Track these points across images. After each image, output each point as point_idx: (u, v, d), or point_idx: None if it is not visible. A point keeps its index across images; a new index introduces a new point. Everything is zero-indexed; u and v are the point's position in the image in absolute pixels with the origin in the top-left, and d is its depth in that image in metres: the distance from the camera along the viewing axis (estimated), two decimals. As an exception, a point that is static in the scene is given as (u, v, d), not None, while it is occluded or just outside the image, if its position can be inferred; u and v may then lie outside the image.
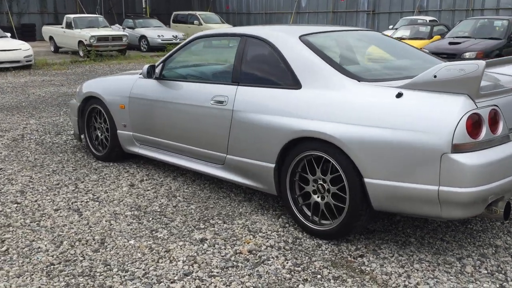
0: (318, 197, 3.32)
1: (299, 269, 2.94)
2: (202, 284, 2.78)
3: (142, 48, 21.79)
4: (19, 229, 3.51)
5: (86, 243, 3.29)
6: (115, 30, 19.81)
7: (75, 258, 3.09)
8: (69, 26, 18.78)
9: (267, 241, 3.29)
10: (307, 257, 3.08)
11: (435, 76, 2.81)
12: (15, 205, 3.96)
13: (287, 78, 3.50)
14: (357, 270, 2.93)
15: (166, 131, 4.34)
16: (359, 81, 3.19)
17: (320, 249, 3.20)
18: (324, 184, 3.26)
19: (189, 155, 4.22)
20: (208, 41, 4.37)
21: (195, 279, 2.82)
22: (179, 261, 3.04)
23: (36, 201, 4.05)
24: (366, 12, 23.25)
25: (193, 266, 2.97)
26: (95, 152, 5.23)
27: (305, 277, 2.85)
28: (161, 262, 3.03)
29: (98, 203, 4.00)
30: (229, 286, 2.76)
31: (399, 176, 2.87)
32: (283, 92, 3.47)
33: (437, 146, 2.72)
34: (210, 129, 3.93)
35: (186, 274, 2.88)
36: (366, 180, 2.98)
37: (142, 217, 3.71)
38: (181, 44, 4.43)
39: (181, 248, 3.20)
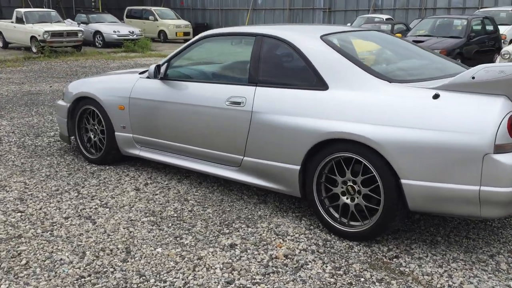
0: (347, 198, 3.30)
1: (341, 272, 2.92)
2: (248, 292, 2.71)
3: (97, 44, 21.16)
4: (32, 240, 3.30)
5: (111, 253, 3.13)
6: (69, 25, 19.11)
7: (105, 269, 2.94)
8: (19, 20, 17.98)
9: (299, 245, 3.25)
10: (343, 260, 3.06)
11: (473, 78, 2.85)
12: (19, 214, 3.73)
13: (311, 79, 3.46)
14: (397, 272, 2.94)
15: (173, 133, 4.21)
16: (390, 82, 3.20)
17: (353, 251, 3.19)
18: (354, 186, 3.25)
19: (199, 157, 4.11)
20: (215, 40, 4.25)
21: (241, 287, 2.75)
22: (216, 268, 2.95)
23: (40, 209, 3.82)
24: (322, 9, 23.54)
25: (232, 274, 2.89)
26: (87, 155, 5.01)
27: (349, 281, 2.83)
28: (198, 271, 2.92)
29: (108, 209, 3.83)
30: (277, 293, 2.71)
31: (438, 177, 2.90)
32: (308, 93, 3.43)
33: (479, 146, 2.76)
34: (226, 131, 3.84)
35: (229, 282, 2.79)
36: (403, 181, 2.99)
37: (160, 223, 3.58)
38: (187, 43, 4.30)
39: (213, 255, 3.11)
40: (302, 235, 3.40)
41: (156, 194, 4.14)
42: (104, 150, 4.83)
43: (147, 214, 3.73)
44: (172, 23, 24.69)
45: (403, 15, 21.19)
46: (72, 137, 5.21)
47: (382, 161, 3.06)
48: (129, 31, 21.25)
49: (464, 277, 2.86)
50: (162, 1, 30.27)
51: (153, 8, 25.64)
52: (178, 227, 3.51)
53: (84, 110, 4.97)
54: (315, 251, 3.17)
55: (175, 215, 3.73)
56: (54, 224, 3.56)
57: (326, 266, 2.98)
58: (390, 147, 2.99)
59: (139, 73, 4.69)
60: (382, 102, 3.10)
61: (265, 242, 3.29)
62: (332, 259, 3.07)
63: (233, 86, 3.85)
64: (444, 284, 2.80)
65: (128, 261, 3.03)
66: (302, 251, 3.16)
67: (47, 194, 4.13)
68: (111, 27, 21.25)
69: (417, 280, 2.84)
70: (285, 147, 3.50)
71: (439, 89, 2.99)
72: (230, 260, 3.04)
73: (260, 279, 2.83)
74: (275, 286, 2.77)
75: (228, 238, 3.34)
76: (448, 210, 2.97)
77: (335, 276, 2.87)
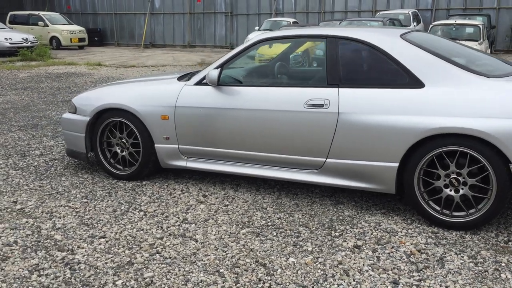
0: (450, 190, 3.46)
1: (479, 260, 3.07)
2: (421, 289, 2.75)
3: (-15, 53, 19.21)
4: (151, 265, 3.01)
5: (248, 268, 2.98)
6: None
7: (260, 285, 2.79)
8: None
9: (416, 239, 3.34)
10: (469, 249, 3.21)
11: None
12: (102, 239, 3.37)
13: (402, 78, 3.57)
14: (521, 254, 3.16)
15: (237, 141, 4.06)
16: (488, 78, 3.42)
17: (467, 239, 3.35)
18: (459, 177, 3.42)
19: (270, 163, 4.02)
20: (272, 44, 4.18)
21: (411, 285, 2.77)
22: (367, 271, 2.94)
23: (120, 232, 3.48)
24: (224, 13, 23.69)
25: (388, 274, 2.91)
26: (114, 171, 4.63)
27: (494, 267, 2.98)
28: (353, 275, 2.89)
29: (194, 225, 3.60)
30: (448, 286, 2.77)
31: (551, 162, 3.17)
32: (404, 92, 3.53)
33: None
34: (305, 134, 3.80)
35: (395, 283, 2.81)
36: (517, 167, 3.22)
37: (263, 233, 3.46)
38: (242, 47, 4.17)
39: (350, 258, 3.09)
40: (410, 230, 3.50)
41: (227, 205, 3.97)
42: (140, 164, 4.50)
43: (240, 226, 3.58)
44: (65, 28, 23.27)
45: (303, 18, 22.10)
46: (89, 154, 4.78)
47: (493, 151, 3.26)
48: (23, 38, 19.61)
49: None
50: (46, 5, 28.30)
51: (41, 13, 23.91)
52: (285, 235, 3.42)
53: (108, 123, 4.58)
54: (438, 243, 3.29)
55: (269, 223, 3.62)
56: (154, 246, 3.27)
57: (462, 256, 3.11)
58: (505, 137, 3.20)
59: (178, 79, 4.46)
60: (491, 97, 3.30)
61: (384, 241, 3.33)
62: (459, 249, 3.21)
63: (310, 89, 3.83)
64: None
65: (274, 275, 2.91)
66: (426, 245, 3.26)
67: (110, 216, 3.77)
68: (1, 34, 19.43)
69: (547, 258, 3.09)
70: (381, 145, 3.57)
71: (541, 82, 3.28)
72: (371, 262, 3.05)
73: (419, 276, 2.88)
74: (437, 280, 2.83)
75: (345, 241, 3.33)
76: (557, 192, 3.26)
77: (479, 265, 3.01)
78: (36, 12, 24.15)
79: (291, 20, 19.74)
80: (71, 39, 23.26)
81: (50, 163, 5.20)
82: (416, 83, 3.52)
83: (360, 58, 3.82)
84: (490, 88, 3.35)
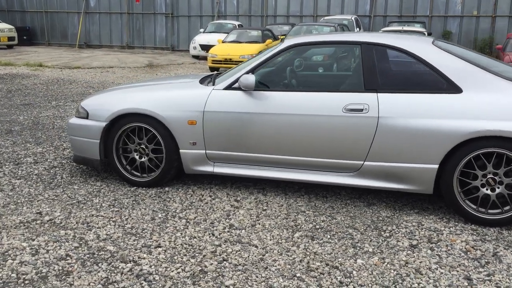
0: (487, 189, 3.69)
1: (529, 254, 3.30)
2: (490, 285, 2.92)
3: None
4: (225, 273, 2.97)
5: (323, 271, 3.01)
6: None
7: (344, 286, 2.84)
8: None
9: (464, 237, 3.53)
10: (512, 244, 3.45)
11: None
12: (158, 249, 3.27)
13: (440, 84, 3.75)
14: (559, 246, 3.44)
15: (272, 145, 4.06)
16: (520, 84, 3.68)
17: (504, 235, 3.58)
18: (495, 177, 3.65)
19: (304, 167, 4.06)
20: (304, 49, 4.23)
21: (483, 281, 2.93)
22: (436, 269, 3.07)
23: (174, 241, 3.39)
24: (164, 14, 23.30)
25: (458, 270, 3.05)
26: (132, 178, 4.48)
27: (543, 259, 3.23)
28: (425, 274, 3.01)
29: (243, 230, 3.58)
30: (514, 279, 2.97)
31: None
32: (443, 97, 3.71)
33: None
34: (343, 138, 3.89)
35: (468, 278, 2.96)
36: (552, 168, 3.50)
37: (317, 236, 3.50)
38: (272, 52, 4.19)
39: (412, 257, 3.21)
40: (451, 228, 3.68)
41: (264, 210, 3.97)
42: (162, 171, 4.38)
43: (290, 230, 3.60)
44: (-7, 27, 21.87)
45: (246, 21, 22.21)
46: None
47: (531, 153, 3.52)
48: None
49: None
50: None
51: (-34, 10, 22.33)
52: (339, 238, 3.49)
53: (125, 128, 4.42)
54: (484, 240, 3.49)
55: (317, 227, 3.67)
56: (217, 254, 3.22)
57: (511, 251, 3.33)
58: (544, 140, 3.46)
59: (200, 82, 4.41)
60: (527, 101, 3.56)
61: (435, 239, 3.49)
62: (506, 244, 3.43)
63: (346, 94, 3.92)
64: None
65: (351, 276, 2.97)
66: (476, 242, 3.45)
67: (152, 225, 3.65)
68: None
69: None
70: (421, 148, 3.72)
71: None
72: (436, 260, 3.19)
73: (485, 271, 3.05)
74: (504, 274, 3.02)
75: (398, 241, 3.46)
76: None
77: (530, 258, 3.25)
78: (-40, 9, 22.53)
79: (236, 23, 19.81)
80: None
81: (51, 171, 4.92)
82: (454, 89, 3.71)
83: (396, 64, 3.96)
84: (526, 93, 3.61)
